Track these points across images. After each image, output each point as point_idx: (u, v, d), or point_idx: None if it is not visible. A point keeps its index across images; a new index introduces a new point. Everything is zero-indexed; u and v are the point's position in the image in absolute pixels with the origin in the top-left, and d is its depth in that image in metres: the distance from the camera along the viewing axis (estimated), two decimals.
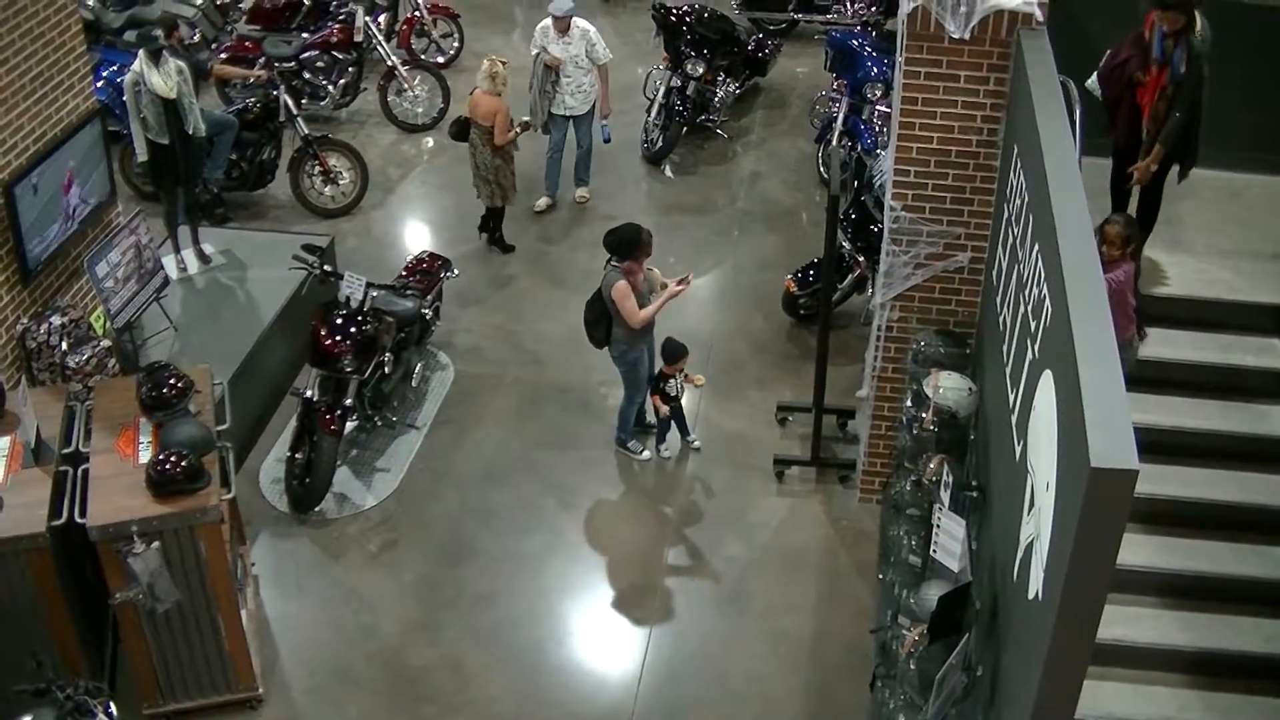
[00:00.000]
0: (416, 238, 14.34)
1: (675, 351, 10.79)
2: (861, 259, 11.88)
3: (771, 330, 12.67)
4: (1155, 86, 9.00)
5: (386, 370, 10.91)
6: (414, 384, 11.67)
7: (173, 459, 7.95)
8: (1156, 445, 8.19)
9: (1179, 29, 8.80)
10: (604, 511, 10.64)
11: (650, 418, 11.25)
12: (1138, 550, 8.37)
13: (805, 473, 10.90)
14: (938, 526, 7.91)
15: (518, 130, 13.40)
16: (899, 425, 9.53)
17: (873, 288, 11.04)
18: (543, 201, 14.60)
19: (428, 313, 11.66)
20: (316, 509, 10.45)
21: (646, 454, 11.12)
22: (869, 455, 10.41)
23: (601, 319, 10.56)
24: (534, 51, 13.95)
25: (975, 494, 8.19)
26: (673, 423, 11.08)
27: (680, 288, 10.42)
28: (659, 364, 10.96)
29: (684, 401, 11.08)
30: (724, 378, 11.90)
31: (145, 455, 8.27)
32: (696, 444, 11.22)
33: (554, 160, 14.51)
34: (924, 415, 8.72)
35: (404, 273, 12.10)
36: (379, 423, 11.16)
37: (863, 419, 10.57)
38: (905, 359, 9.65)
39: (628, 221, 10.68)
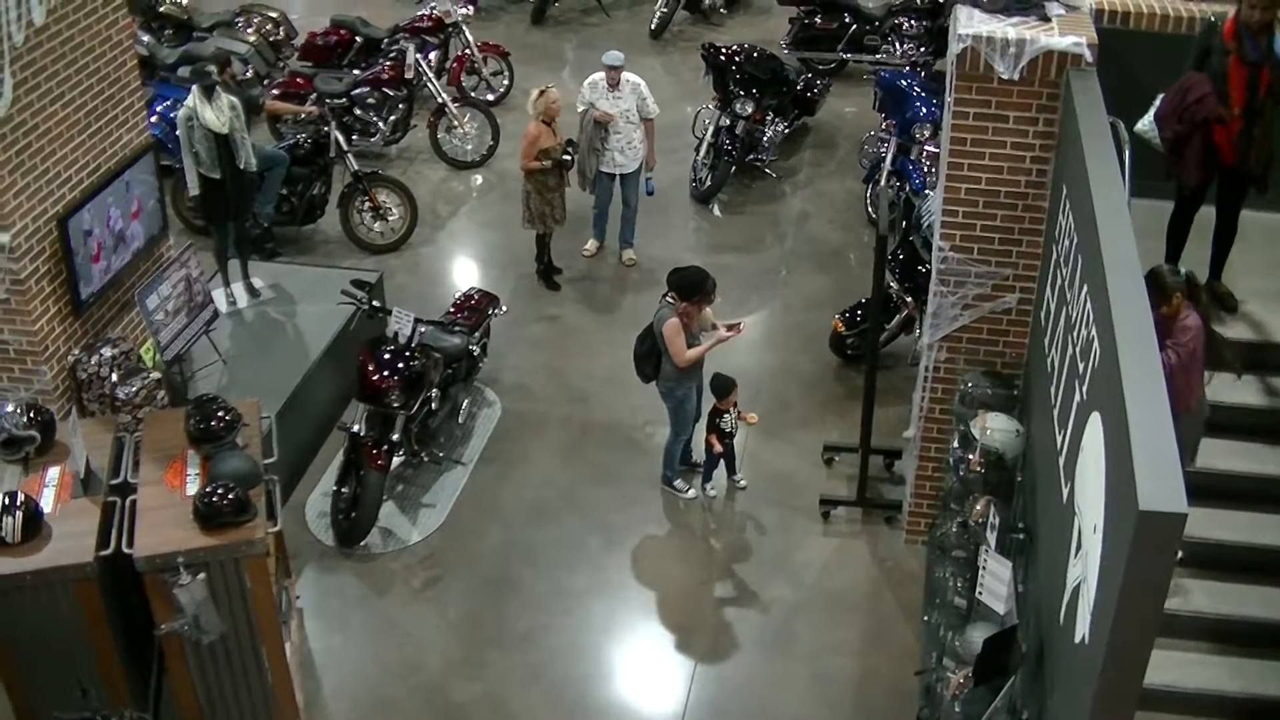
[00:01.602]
0: (465, 274, 14.41)
1: (724, 386, 10.79)
2: (909, 299, 11.87)
3: (819, 370, 12.66)
4: (1248, 87, 8.89)
5: (433, 406, 10.95)
6: (460, 420, 11.71)
7: (220, 491, 8.01)
8: (1206, 489, 8.14)
9: (1269, 21, 8.79)
10: (649, 550, 10.63)
11: (696, 456, 11.26)
12: (1187, 595, 8.30)
13: (851, 513, 10.87)
14: (983, 568, 7.89)
15: (542, 163, 13.22)
16: (945, 466, 9.49)
17: (920, 328, 11.03)
18: (591, 245, 14.59)
19: (475, 349, 11.67)
20: (362, 543, 10.50)
21: (692, 493, 11.10)
22: (915, 496, 10.37)
23: (651, 353, 10.60)
24: (580, 108, 13.80)
25: (1022, 536, 8.13)
26: (720, 461, 11.08)
27: (730, 334, 10.46)
28: (707, 402, 10.96)
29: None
30: (771, 417, 11.87)
31: (193, 487, 8.33)
32: (742, 483, 11.20)
33: (600, 215, 14.47)
34: (971, 457, 8.69)
35: (452, 309, 12.15)
36: (425, 458, 11.19)
37: (909, 460, 10.55)
38: (952, 400, 9.61)
39: (697, 265, 10.72)
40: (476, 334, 11.82)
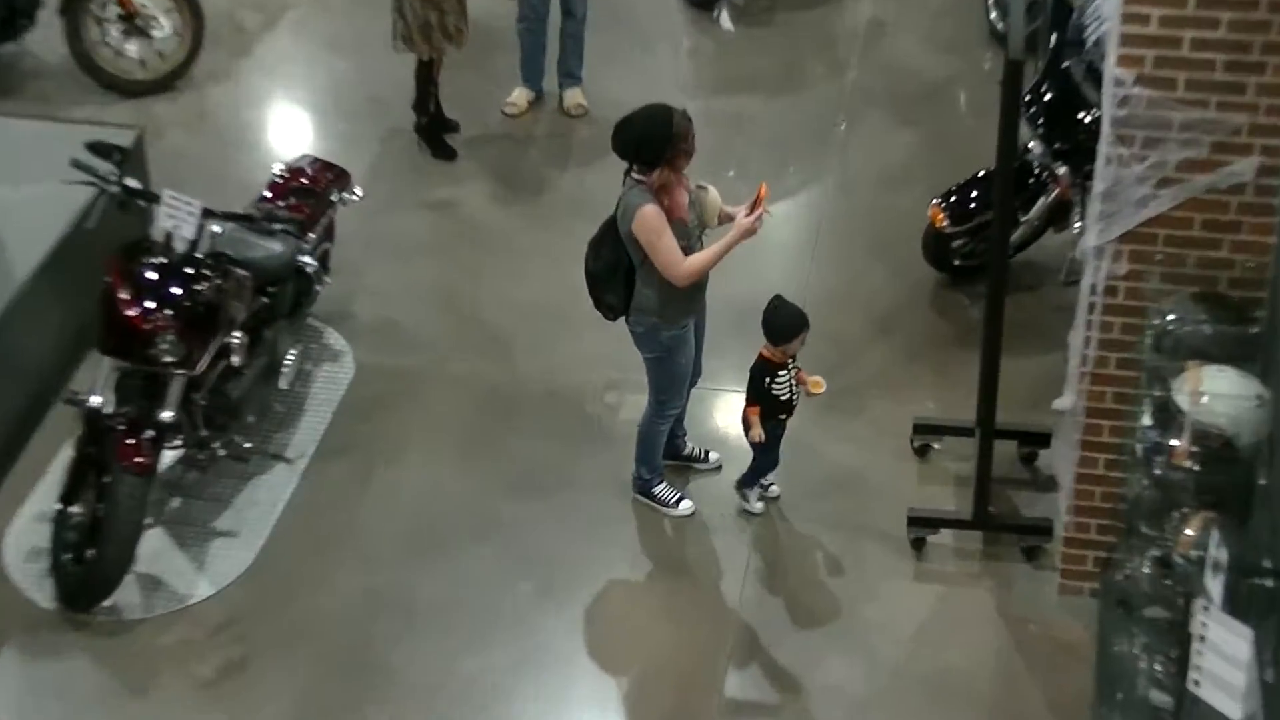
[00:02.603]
0: (291, 134, 14.58)
1: (792, 322, 10.50)
2: (1062, 170, 11.83)
3: (904, 294, 12.76)
4: None
5: (235, 361, 10.79)
6: (284, 385, 11.67)
7: None
8: None
9: None
10: (615, 603, 10.60)
11: (695, 444, 11.23)
12: None
13: (964, 540, 10.79)
14: (1202, 639, 7.66)
15: None
16: (1130, 461, 9.36)
17: (1082, 221, 10.96)
18: (518, 96, 14.85)
19: (309, 262, 11.58)
20: (106, 603, 10.32)
21: (686, 505, 11.00)
22: (1076, 512, 10.25)
23: (617, 270, 10.41)
24: None
25: (1270, 583, 7.87)
26: (764, 458, 10.93)
27: (754, 219, 10.13)
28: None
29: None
30: (822, 375, 11.54)
31: None
32: (775, 489, 11.08)
33: (532, 34, 14.68)
34: (1175, 443, 8.56)
35: (268, 193, 12.08)
36: (221, 452, 11.05)
37: (1065, 449, 10.44)
38: (1140, 344, 9.42)
39: (652, 103, 10.38)
40: (312, 235, 11.77)
